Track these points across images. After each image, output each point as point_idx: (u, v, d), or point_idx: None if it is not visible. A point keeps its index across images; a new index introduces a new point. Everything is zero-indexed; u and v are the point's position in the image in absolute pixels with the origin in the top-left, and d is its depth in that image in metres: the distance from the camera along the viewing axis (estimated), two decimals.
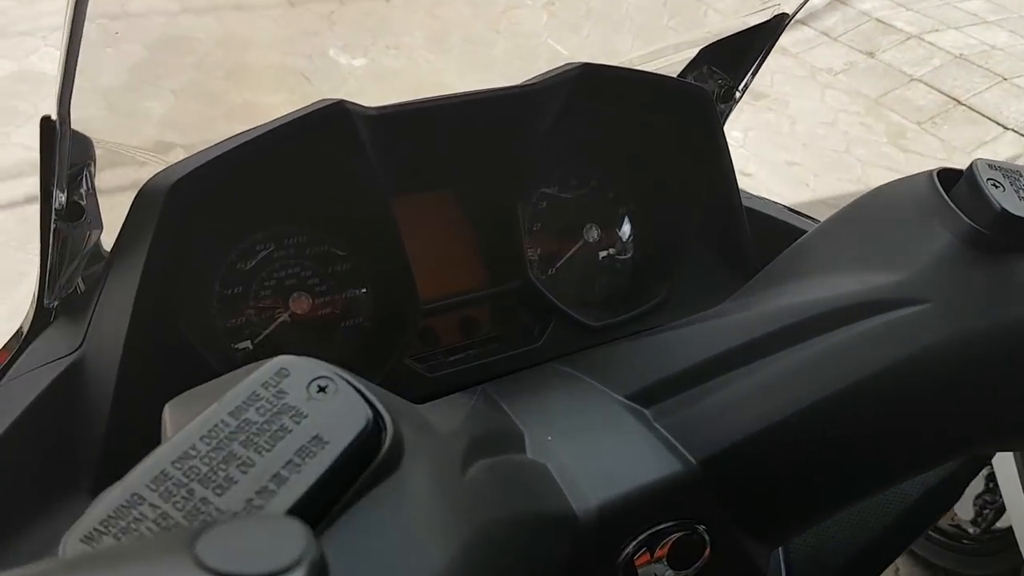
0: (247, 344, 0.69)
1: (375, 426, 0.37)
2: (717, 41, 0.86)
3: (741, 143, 3.30)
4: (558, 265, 0.82)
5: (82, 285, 0.67)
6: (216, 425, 0.35)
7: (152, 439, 0.41)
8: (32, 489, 0.59)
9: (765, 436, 0.54)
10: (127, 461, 0.34)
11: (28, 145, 2.58)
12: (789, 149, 3.40)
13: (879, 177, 3.29)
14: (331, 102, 0.62)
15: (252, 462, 0.34)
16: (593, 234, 0.83)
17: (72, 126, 0.56)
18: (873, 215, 0.60)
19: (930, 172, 0.57)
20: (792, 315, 0.56)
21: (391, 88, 3.13)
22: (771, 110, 3.60)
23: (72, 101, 0.54)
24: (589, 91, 0.72)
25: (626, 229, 0.85)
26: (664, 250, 0.84)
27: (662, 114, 0.78)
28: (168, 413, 0.42)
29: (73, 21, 0.50)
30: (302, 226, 0.70)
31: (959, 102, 3.76)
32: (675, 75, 0.90)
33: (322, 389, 0.37)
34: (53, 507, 0.59)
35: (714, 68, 0.88)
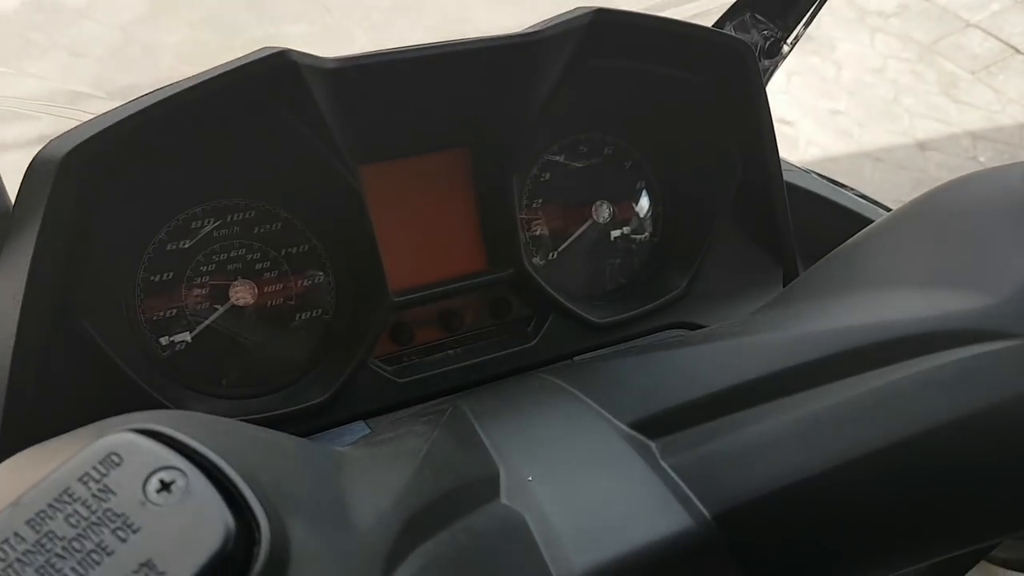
0: (184, 336, 0.58)
1: (242, 539, 0.26)
2: None
3: (783, 89, 3.12)
4: (560, 249, 0.70)
5: None
6: (7, 540, 0.25)
7: None
8: None
9: (799, 490, 0.42)
10: None
11: (42, 76, 2.49)
12: (834, 97, 3.22)
13: (927, 129, 3.12)
14: (272, 51, 0.50)
15: None
16: (604, 213, 0.70)
17: None
18: (949, 216, 0.47)
19: None
20: (841, 342, 0.44)
21: (416, 21, 3.00)
22: (816, 54, 3.40)
23: None
24: (603, 42, 0.59)
25: (644, 204, 0.73)
26: (687, 232, 0.71)
27: (692, 71, 0.65)
28: None
29: None
30: (249, 200, 0.59)
31: (1018, 51, 3.54)
32: (710, 23, 0.76)
33: (165, 486, 0.26)
34: None
35: (758, 16, 0.73)
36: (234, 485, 0.27)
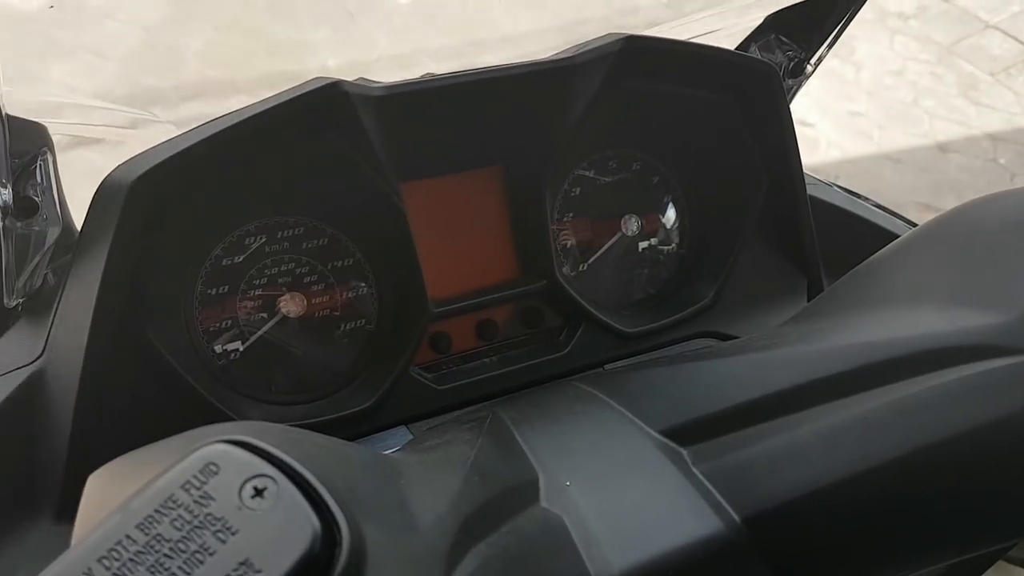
0: (237, 346, 0.61)
1: (326, 541, 0.29)
2: (789, 5, 0.74)
3: (803, 91, 3.11)
4: (590, 262, 0.72)
5: (52, 279, 0.60)
6: (119, 542, 0.28)
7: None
8: None
9: (825, 496, 0.44)
10: None
11: (70, 84, 2.52)
12: (853, 98, 3.21)
13: (947, 131, 3.11)
14: (326, 82, 0.53)
15: None
16: (633, 226, 0.73)
17: (12, 111, 0.47)
18: (968, 236, 0.49)
19: None
20: (865, 355, 0.46)
21: (436, 26, 3.02)
22: (835, 56, 3.39)
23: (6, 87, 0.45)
24: (633, 67, 0.62)
25: (671, 215, 0.75)
26: (714, 244, 0.73)
27: (718, 92, 0.67)
28: (87, 490, 0.34)
29: None
30: (298, 217, 0.62)
31: None
32: (735, 44, 0.79)
33: (259, 492, 0.29)
34: (13, 534, 0.53)
35: (783, 37, 0.76)
36: (316, 491, 0.30)
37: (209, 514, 0.28)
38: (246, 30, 2.79)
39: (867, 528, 0.45)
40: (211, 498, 0.29)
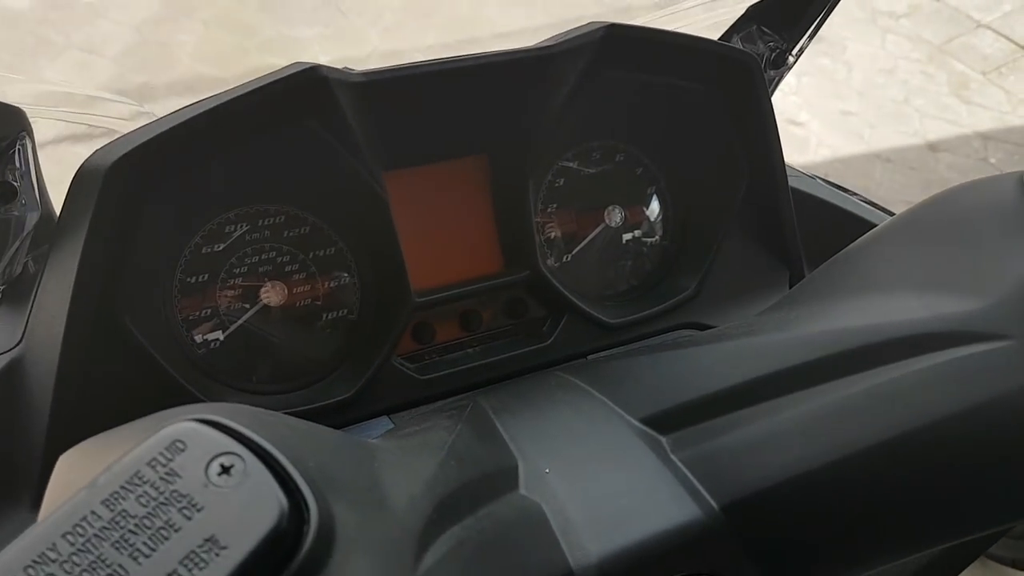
0: (217, 335, 0.61)
1: (294, 519, 0.29)
2: None
3: (794, 90, 3.13)
4: (574, 252, 0.72)
5: (32, 266, 0.60)
6: (84, 518, 0.27)
7: None
8: None
9: (802, 482, 0.44)
10: None
11: (62, 82, 2.51)
12: (844, 97, 3.22)
13: (938, 130, 3.12)
14: (304, 67, 0.53)
15: (124, 572, 0.27)
16: (616, 217, 0.73)
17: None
18: (944, 224, 0.49)
19: (1019, 175, 0.47)
20: (841, 342, 0.46)
21: (429, 24, 3.02)
22: (827, 55, 3.40)
23: None
24: (615, 55, 0.62)
25: (654, 207, 0.75)
26: (696, 236, 0.74)
27: (701, 82, 0.67)
28: (56, 470, 0.34)
29: None
30: (279, 205, 0.62)
31: None
32: (717, 35, 0.79)
33: (225, 470, 0.29)
34: None
35: (764, 28, 0.76)
36: (284, 470, 0.30)
37: (175, 491, 0.28)
38: (237, 27, 2.79)
39: (845, 515, 0.45)
40: (177, 475, 0.28)
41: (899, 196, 2.81)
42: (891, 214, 0.79)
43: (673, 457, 0.47)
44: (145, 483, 0.28)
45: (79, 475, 0.30)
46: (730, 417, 0.47)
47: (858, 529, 0.46)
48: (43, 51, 2.63)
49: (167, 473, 0.28)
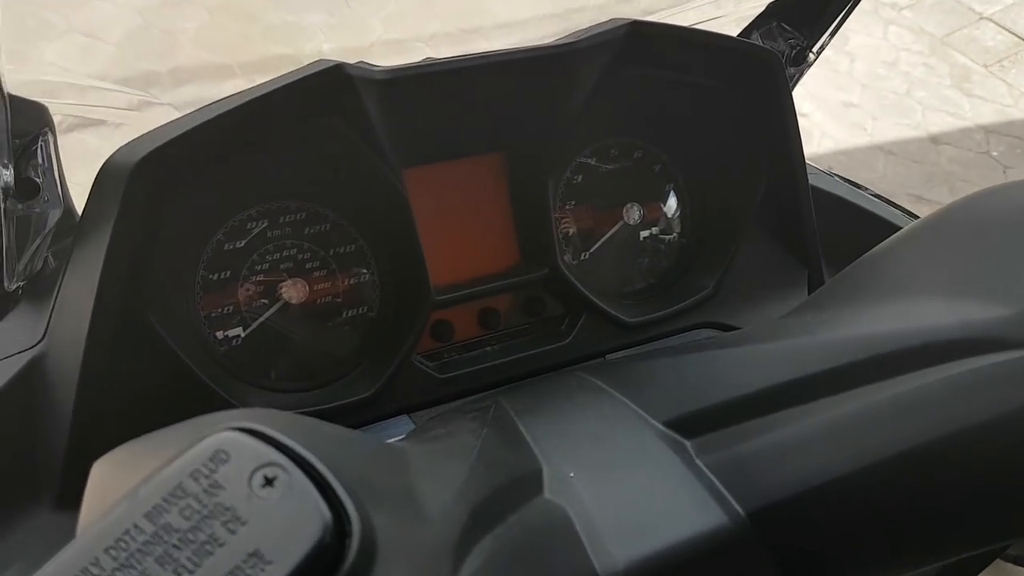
0: (238, 331, 0.61)
1: (336, 531, 0.29)
2: None
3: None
4: (592, 250, 0.72)
5: (52, 262, 0.59)
6: (127, 532, 0.27)
7: (120, 443, 0.34)
8: None
9: (829, 489, 0.44)
10: None
11: (63, 66, 2.50)
12: (847, 89, 3.21)
13: (940, 123, 3.12)
14: (328, 64, 0.52)
15: None
16: (634, 215, 0.73)
17: (14, 91, 0.46)
18: (972, 228, 0.49)
19: None
20: (868, 348, 0.46)
21: (432, 13, 3.00)
22: (830, 46, 3.39)
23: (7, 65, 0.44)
24: (637, 53, 0.61)
25: (672, 205, 0.75)
26: (715, 234, 0.73)
27: (721, 79, 0.67)
28: (92, 477, 0.34)
29: None
30: (300, 202, 0.61)
31: None
32: (737, 32, 0.79)
33: (269, 481, 0.28)
34: (13, 521, 0.52)
35: (785, 25, 0.76)
36: (326, 480, 0.29)
37: (219, 503, 0.28)
38: (241, 14, 2.77)
39: (873, 522, 0.45)
40: (221, 487, 0.28)
41: (902, 189, 2.81)
42: (909, 213, 0.78)
43: (698, 461, 0.46)
44: (188, 495, 0.28)
45: (118, 483, 0.30)
46: (756, 422, 0.46)
47: (888, 537, 0.46)
48: (44, 34, 2.61)
49: (211, 485, 0.28)
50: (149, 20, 2.71)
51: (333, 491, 0.29)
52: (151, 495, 0.28)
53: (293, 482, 0.29)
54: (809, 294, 0.73)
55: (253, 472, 0.29)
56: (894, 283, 0.51)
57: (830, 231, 0.73)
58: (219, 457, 0.29)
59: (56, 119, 0.57)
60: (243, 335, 0.61)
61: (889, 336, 0.46)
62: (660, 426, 0.49)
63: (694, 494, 0.45)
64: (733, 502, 0.44)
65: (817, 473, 0.43)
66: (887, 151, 2.98)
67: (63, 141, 0.57)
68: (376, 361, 0.62)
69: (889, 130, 3.07)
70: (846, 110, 3.11)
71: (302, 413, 0.59)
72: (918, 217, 0.78)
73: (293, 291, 0.62)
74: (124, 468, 0.33)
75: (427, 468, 0.41)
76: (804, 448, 0.45)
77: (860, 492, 0.43)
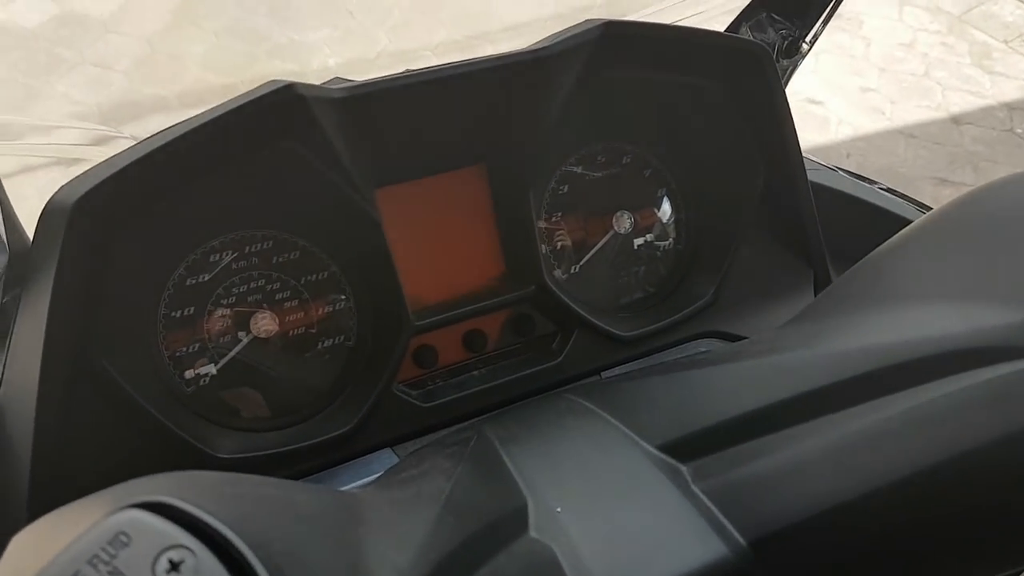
0: (209, 369, 0.58)
1: None
2: None
3: (811, 68, 3.07)
4: (582, 263, 0.68)
5: (8, 310, 0.57)
6: None
7: (83, 493, 0.31)
8: None
9: (835, 514, 0.40)
10: None
11: (74, 97, 2.52)
12: (863, 73, 3.15)
13: (961, 102, 3.05)
14: (278, 85, 0.49)
15: None
16: (624, 223, 0.69)
17: None
18: (981, 224, 0.45)
19: None
20: (873, 360, 0.42)
21: (437, 20, 2.99)
22: (843, 31, 3.33)
23: None
24: (614, 54, 0.58)
25: (666, 209, 0.71)
26: (712, 239, 0.70)
27: (708, 76, 0.63)
28: (8, 552, 0.31)
29: None
30: (266, 231, 0.58)
31: None
32: (724, 25, 0.75)
33: (175, 566, 0.25)
34: None
35: (775, 15, 0.72)
36: (244, 559, 0.26)
37: None
38: (246, 34, 2.78)
39: (884, 548, 0.41)
40: (121, 574, 0.25)
41: (925, 172, 2.75)
42: (916, 202, 0.74)
43: (695, 488, 0.43)
44: None
45: (29, 561, 0.27)
46: (755, 443, 0.43)
47: (896, 563, 0.42)
48: (55, 68, 2.63)
49: (110, 572, 0.25)
50: (156, 47, 2.73)
51: (251, 572, 0.26)
52: None
53: (201, 566, 0.25)
54: (815, 297, 0.69)
55: (157, 556, 0.26)
56: (900, 286, 0.47)
57: (836, 229, 0.69)
58: (119, 540, 0.26)
59: (16, 161, 0.54)
60: (214, 372, 0.58)
61: (895, 347, 0.42)
62: (654, 450, 0.45)
63: (691, 524, 0.41)
64: (733, 531, 0.41)
65: (823, 496, 0.40)
66: (908, 134, 2.92)
67: (32, 181, 0.55)
68: (356, 393, 0.59)
69: (909, 113, 3.01)
70: (863, 95, 3.06)
71: (278, 452, 0.56)
72: (929, 208, 0.73)
73: (264, 324, 0.59)
74: (38, 545, 0.30)
75: (384, 523, 0.38)
76: (808, 470, 0.41)
77: (871, 516, 0.40)
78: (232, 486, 0.32)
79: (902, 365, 0.41)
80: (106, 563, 0.25)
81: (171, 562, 0.25)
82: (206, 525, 0.27)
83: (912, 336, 0.42)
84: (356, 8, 2.97)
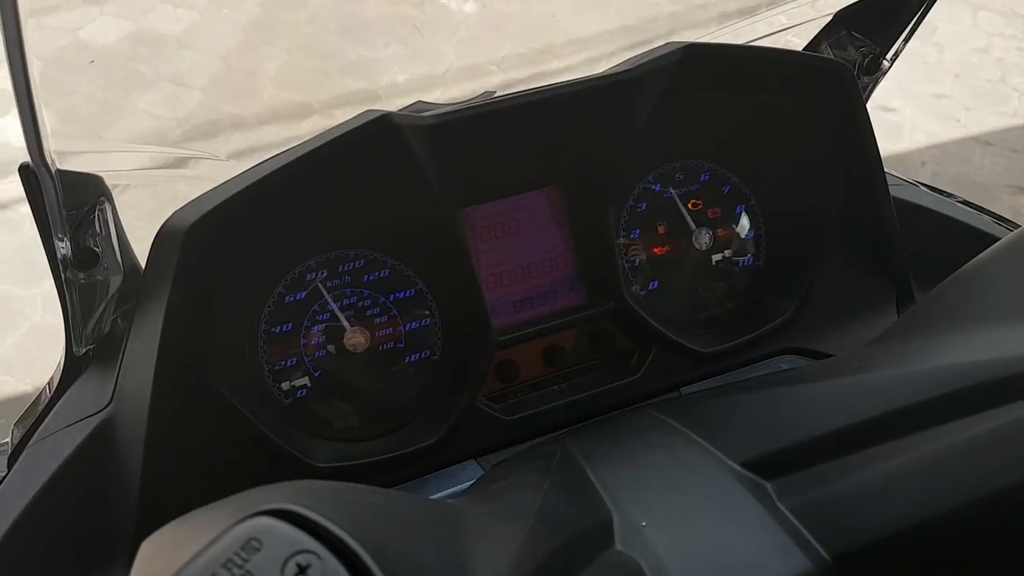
0: (304, 381, 0.61)
1: None
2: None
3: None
4: (660, 280, 0.69)
5: (121, 323, 0.60)
6: None
7: (190, 504, 0.34)
8: (64, 559, 0.53)
9: (922, 531, 0.41)
10: None
11: (155, 114, 2.60)
12: (937, 80, 3.08)
13: None
14: (375, 115, 0.52)
15: None
16: (704, 239, 0.70)
17: (66, 166, 0.47)
18: None
19: None
20: (963, 378, 0.42)
21: (502, 35, 3.02)
22: (916, 37, 3.23)
23: (53, 139, 0.45)
24: (695, 76, 0.59)
25: (744, 224, 0.72)
26: (793, 255, 0.70)
27: (788, 95, 0.64)
28: (138, 559, 0.34)
29: (8, 54, 0.41)
30: (358, 250, 0.61)
31: None
32: (804, 44, 0.75)
33: (302, 570, 0.27)
34: None
35: (855, 33, 0.72)
36: (364, 565, 0.28)
37: None
38: (317, 52, 2.84)
39: (968, 568, 0.41)
40: None
41: (1002, 180, 2.67)
42: (1004, 220, 0.73)
43: (780, 505, 0.44)
44: None
45: (162, 566, 0.29)
46: (843, 461, 0.43)
47: None
48: (135, 84, 2.72)
49: (243, 574, 0.27)
50: (231, 64, 2.80)
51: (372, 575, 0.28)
52: None
53: (328, 570, 0.27)
54: (898, 315, 0.69)
55: (286, 560, 0.28)
56: (988, 305, 0.47)
57: (918, 246, 0.69)
58: (251, 545, 0.28)
59: (120, 185, 0.58)
60: (309, 384, 0.60)
61: (986, 365, 0.42)
62: (738, 468, 0.46)
63: (776, 540, 0.42)
64: (818, 547, 0.41)
65: (909, 514, 0.40)
66: (983, 142, 2.84)
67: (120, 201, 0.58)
68: (441, 405, 0.61)
69: (984, 120, 2.92)
70: (937, 102, 2.98)
71: (368, 462, 0.58)
72: (1012, 223, 0.72)
73: (355, 339, 0.61)
74: (168, 549, 0.33)
75: (482, 533, 0.39)
76: (895, 488, 0.41)
77: (958, 533, 0.40)
78: (347, 494, 0.34)
79: (993, 383, 0.41)
80: (239, 566, 0.27)
81: (299, 566, 0.27)
82: (328, 532, 0.29)
83: (1001, 355, 0.42)
84: (424, 25, 3.02)
